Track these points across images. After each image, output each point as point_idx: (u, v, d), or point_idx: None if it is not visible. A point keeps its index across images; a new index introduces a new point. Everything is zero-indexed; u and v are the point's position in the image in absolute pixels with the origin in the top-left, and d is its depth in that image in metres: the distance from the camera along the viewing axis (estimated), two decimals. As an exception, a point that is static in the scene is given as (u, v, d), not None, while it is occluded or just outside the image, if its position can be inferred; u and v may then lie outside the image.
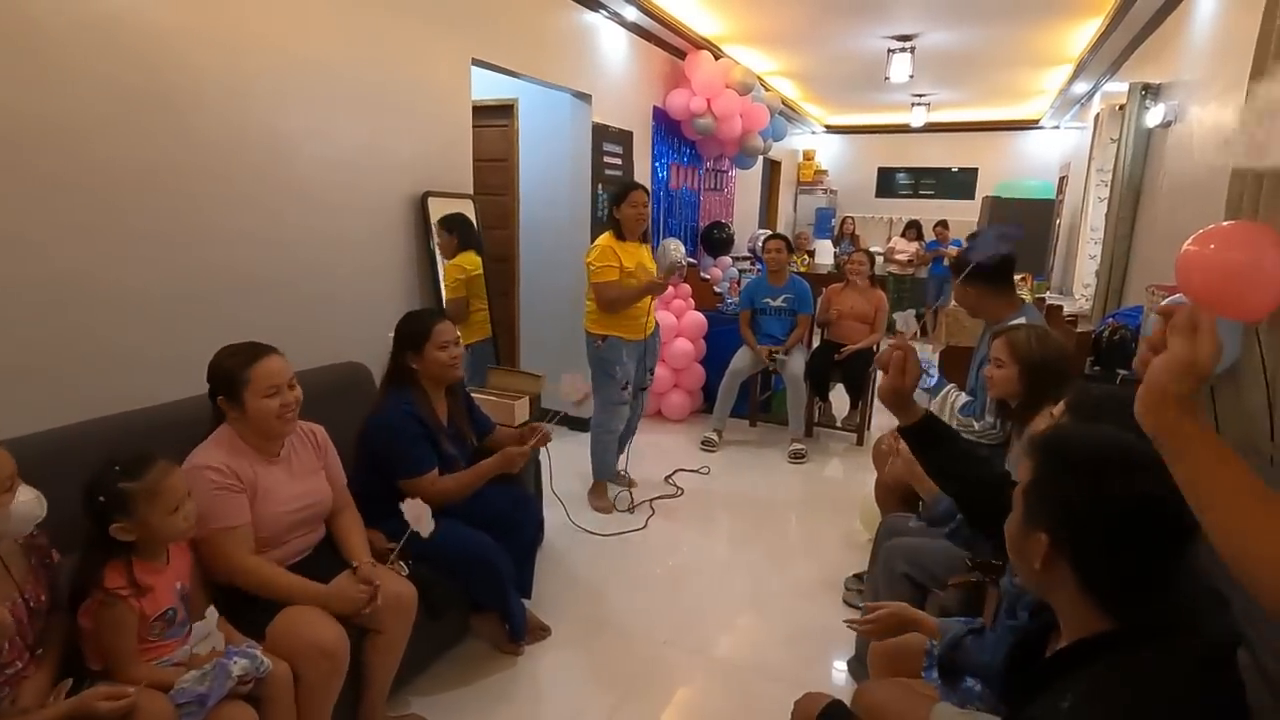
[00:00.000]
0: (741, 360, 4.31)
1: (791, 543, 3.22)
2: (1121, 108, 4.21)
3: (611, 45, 4.34)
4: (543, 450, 2.53)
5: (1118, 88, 4.87)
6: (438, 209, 3.02)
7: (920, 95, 7.40)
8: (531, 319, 4.32)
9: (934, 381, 2.50)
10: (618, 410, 3.26)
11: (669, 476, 3.75)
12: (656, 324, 3.44)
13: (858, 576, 2.66)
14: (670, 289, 4.69)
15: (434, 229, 3.01)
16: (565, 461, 3.36)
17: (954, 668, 1.42)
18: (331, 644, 1.62)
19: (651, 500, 3.44)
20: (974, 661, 1.40)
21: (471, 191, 3.28)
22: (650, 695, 2.15)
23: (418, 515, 1.80)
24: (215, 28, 2.11)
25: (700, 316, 4.73)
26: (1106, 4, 4.09)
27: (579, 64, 4.03)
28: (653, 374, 3.50)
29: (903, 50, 5.11)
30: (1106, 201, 4.50)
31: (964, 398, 2.44)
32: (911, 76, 5.32)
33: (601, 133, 4.28)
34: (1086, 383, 2.22)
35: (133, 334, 1.98)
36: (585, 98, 4.12)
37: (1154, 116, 3.71)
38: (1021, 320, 2.28)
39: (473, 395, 2.52)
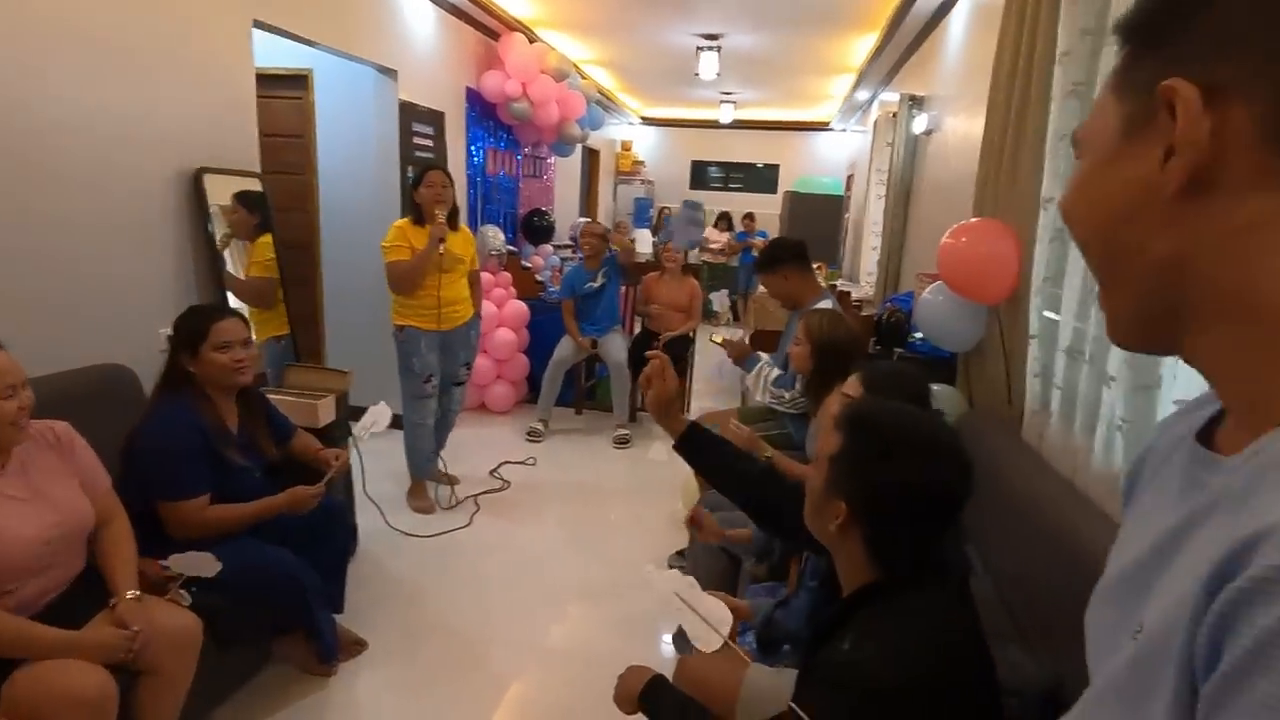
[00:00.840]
0: (565, 349, 4.31)
1: (618, 526, 3.29)
2: (894, 115, 4.74)
3: (418, 19, 4.10)
4: (354, 451, 2.35)
5: (891, 97, 5.47)
6: (217, 188, 2.68)
7: (728, 93, 7.83)
8: (337, 310, 3.98)
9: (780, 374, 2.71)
10: (423, 404, 3.12)
11: (494, 470, 3.67)
12: (476, 315, 3.33)
13: (680, 553, 2.79)
14: (489, 276, 4.57)
15: (217, 210, 2.66)
16: (379, 462, 3.15)
17: (770, 641, 1.53)
18: (92, 694, 1.39)
19: (476, 496, 3.34)
20: (785, 630, 1.52)
21: (259, 169, 2.95)
22: (481, 696, 2.10)
23: (196, 564, 1.62)
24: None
25: (522, 306, 4.66)
26: (881, 20, 4.58)
27: (382, 36, 3.76)
28: (469, 368, 3.39)
29: (710, 49, 5.36)
30: (884, 199, 5.06)
31: (776, 372, 2.66)
32: (719, 74, 5.60)
33: (410, 111, 4.04)
34: (875, 361, 2.51)
35: None
36: (390, 73, 3.86)
37: (919, 124, 4.22)
38: (826, 304, 2.54)
39: (269, 396, 2.28)
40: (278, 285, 3.01)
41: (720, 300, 4.45)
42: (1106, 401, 1.52)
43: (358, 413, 2.34)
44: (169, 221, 2.52)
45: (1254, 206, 0.40)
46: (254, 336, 2.21)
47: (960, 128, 3.36)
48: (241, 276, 2.83)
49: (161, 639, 1.54)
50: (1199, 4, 0.42)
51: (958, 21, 3.69)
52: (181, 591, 1.68)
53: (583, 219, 7.26)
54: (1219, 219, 0.42)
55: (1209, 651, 0.37)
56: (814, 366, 2.18)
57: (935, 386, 2.40)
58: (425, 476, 3.26)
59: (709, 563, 2.14)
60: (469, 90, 4.84)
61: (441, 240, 2.92)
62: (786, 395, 2.61)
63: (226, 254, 2.75)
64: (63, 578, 1.56)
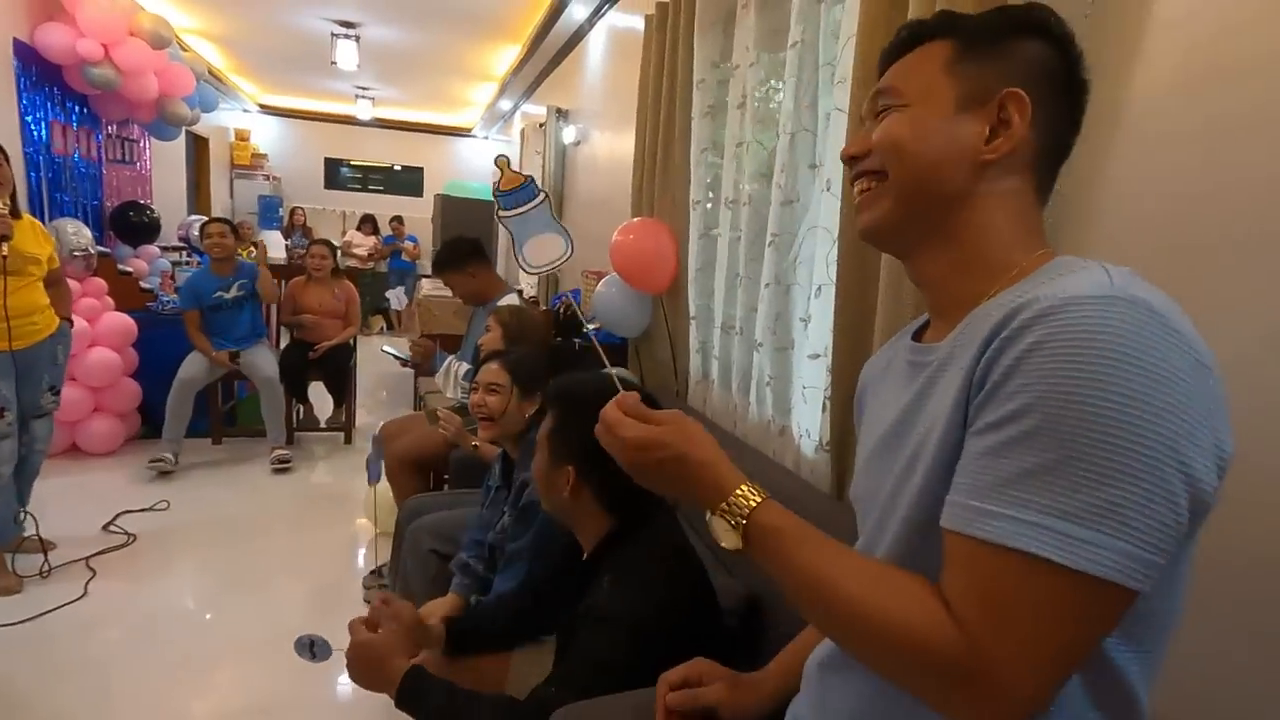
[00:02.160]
0: (193, 367, 3.62)
1: (285, 561, 2.87)
2: (542, 125, 5.03)
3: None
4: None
5: (536, 109, 5.79)
6: None
7: (365, 88, 7.40)
8: None
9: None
10: None
11: (110, 523, 2.90)
12: (64, 327, 2.60)
13: (375, 572, 2.58)
14: (74, 284, 3.61)
15: None
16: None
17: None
18: None
19: (88, 559, 2.61)
20: (492, 619, 1.50)
21: None
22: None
23: None
24: None
25: (126, 319, 3.76)
26: (524, 34, 4.81)
27: None
28: (57, 394, 2.63)
29: (347, 37, 5.02)
30: (538, 204, 5.33)
31: (465, 366, 2.64)
32: (359, 66, 5.28)
33: (-77, 60, 2.97)
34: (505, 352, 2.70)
35: None
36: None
37: (568, 135, 4.56)
38: (512, 298, 2.64)
39: None
40: None
41: (398, 297, 4.59)
42: (756, 364, 1.86)
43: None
44: None
45: (1009, 183, 0.63)
46: None
47: (609, 140, 3.74)
48: None
49: None
50: (1021, 41, 0.62)
51: (597, 44, 4.08)
52: None
53: (196, 216, 6.16)
54: (994, 183, 0.63)
55: (980, 384, 0.52)
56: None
57: (613, 370, 2.65)
58: (3, 545, 2.44)
59: (420, 570, 2.03)
60: (18, 44, 3.74)
61: (5, 238, 2.22)
62: (479, 389, 2.63)
63: None
64: None
